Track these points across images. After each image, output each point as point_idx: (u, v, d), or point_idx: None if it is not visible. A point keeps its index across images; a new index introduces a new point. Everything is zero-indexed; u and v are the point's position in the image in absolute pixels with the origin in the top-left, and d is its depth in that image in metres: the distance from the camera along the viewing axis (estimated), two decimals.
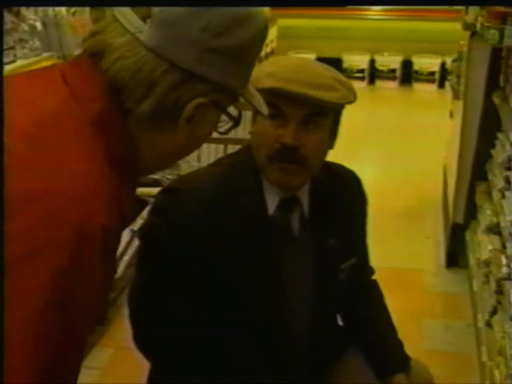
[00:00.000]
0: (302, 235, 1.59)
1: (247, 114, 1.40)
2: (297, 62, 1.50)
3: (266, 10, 4.12)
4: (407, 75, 8.13)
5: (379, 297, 1.85)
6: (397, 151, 5.59)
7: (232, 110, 1.07)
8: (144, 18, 0.94)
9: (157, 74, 0.93)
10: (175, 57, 0.93)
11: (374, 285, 1.86)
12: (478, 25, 2.91)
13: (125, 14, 0.95)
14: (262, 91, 1.45)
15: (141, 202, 1.10)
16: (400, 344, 1.78)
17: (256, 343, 1.56)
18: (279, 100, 1.43)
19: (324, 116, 1.48)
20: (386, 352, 1.75)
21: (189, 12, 0.93)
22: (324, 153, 1.55)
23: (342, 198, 1.65)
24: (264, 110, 1.14)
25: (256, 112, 1.49)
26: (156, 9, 0.93)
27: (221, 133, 1.07)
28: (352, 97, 1.49)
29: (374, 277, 1.86)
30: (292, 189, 1.55)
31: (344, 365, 1.75)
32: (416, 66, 8.01)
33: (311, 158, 1.48)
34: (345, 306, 1.76)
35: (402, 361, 1.75)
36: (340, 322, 1.82)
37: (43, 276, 0.80)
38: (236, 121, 1.07)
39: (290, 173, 1.48)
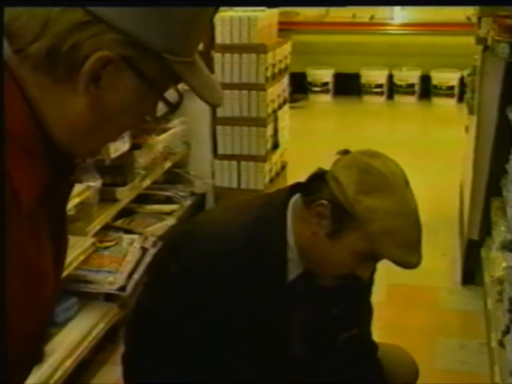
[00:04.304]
0: (309, 300, 1.59)
1: None
2: (403, 199, 1.46)
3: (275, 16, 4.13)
4: (426, 90, 8.09)
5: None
6: (415, 166, 5.49)
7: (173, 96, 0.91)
8: None
9: (56, 11, 0.78)
10: None
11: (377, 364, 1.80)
12: (489, 39, 2.88)
13: None
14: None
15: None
16: None
17: None
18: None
19: None
20: None
21: None
22: None
23: None
24: (210, 97, 0.90)
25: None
26: None
27: (157, 119, 0.93)
28: None
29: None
30: None
31: None
32: (435, 81, 7.97)
33: None
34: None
35: None
36: None
37: None
38: (172, 106, 0.90)
39: None
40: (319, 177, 1.47)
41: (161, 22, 0.81)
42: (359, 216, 1.38)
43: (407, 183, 1.48)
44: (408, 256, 1.41)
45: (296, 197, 1.52)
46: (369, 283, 1.72)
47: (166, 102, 0.89)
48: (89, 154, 0.98)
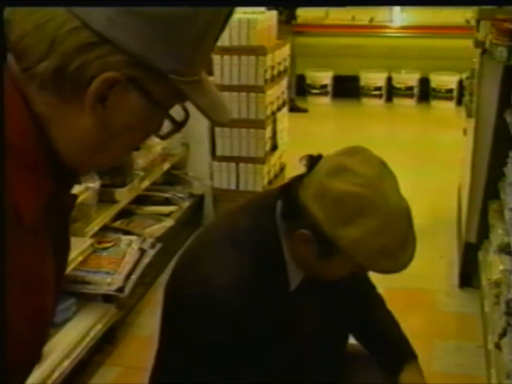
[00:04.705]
0: (317, 299, 1.61)
1: None
2: (395, 210, 1.38)
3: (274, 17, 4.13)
4: (425, 92, 8.10)
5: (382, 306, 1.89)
6: (413, 169, 5.54)
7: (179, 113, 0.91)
8: None
9: (63, 31, 0.79)
10: (88, 14, 0.78)
11: (376, 296, 1.90)
12: (488, 43, 2.89)
13: None
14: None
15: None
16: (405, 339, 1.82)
17: None
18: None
19: None
20: (394, 347, 1.80)
21: None
22: None
23: None
24: (216, 117, 0.91)
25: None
26: None
27: (161, 138, 0.93)
28: None
29: (386, 298, 1.91)
30: None
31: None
32: (433, 84, 7.98)
33: None
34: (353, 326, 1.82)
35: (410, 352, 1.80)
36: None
37: None
38: (177, 124, 0.90)
39: None
40: (295, 191, 1.43)
41: (167, 43, 0.81)
42: (343, 250, 1.36)
43: (383, 167, 1.40)
44: (402, 258, 1.40)
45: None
46: None
47: (172, 120, 0.89)
48: (95, 170, 0.97)
